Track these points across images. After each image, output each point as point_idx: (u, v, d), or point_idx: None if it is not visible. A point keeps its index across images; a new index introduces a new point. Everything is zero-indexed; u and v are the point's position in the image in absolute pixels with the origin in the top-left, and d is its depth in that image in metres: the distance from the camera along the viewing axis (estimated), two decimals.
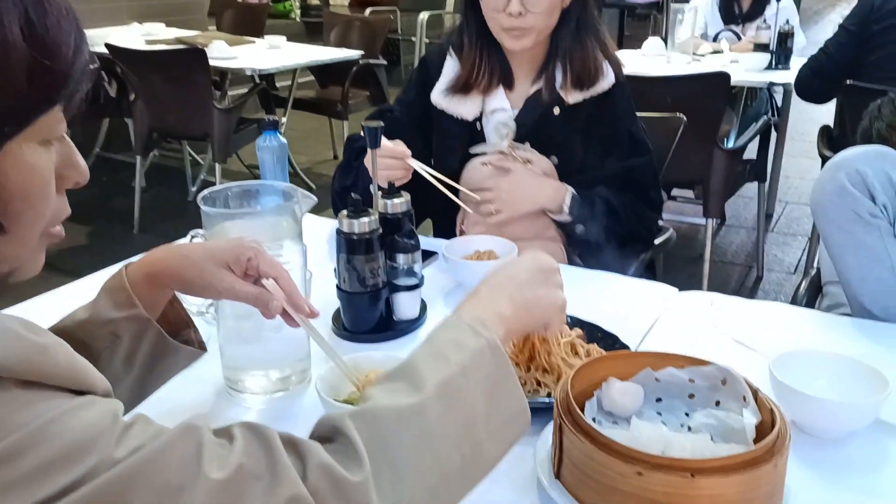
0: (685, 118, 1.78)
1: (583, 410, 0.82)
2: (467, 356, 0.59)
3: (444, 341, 0.62)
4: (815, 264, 1.55)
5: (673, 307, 1.25)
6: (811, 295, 1.49)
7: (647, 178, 1.49)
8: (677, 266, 3.22)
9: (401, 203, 1.10)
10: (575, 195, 1.42)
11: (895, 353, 1.06)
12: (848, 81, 2.31)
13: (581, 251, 1.47)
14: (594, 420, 0.84)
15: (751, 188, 3.43)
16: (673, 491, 0.68)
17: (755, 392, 0.80)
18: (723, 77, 2.52)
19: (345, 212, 1.04)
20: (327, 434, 0.52)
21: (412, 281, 1.10)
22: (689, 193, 3.43)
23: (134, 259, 0.80)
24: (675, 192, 3.46)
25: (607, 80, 1.44)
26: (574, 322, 1.10)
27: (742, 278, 3.17)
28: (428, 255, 1.35)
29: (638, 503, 0.69)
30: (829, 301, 1.43)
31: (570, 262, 1.48)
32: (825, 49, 2.52)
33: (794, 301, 1.48)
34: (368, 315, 1.07)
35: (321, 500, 0.47)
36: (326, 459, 0.49)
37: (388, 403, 0.54)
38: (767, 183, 3.80)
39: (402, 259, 1.08)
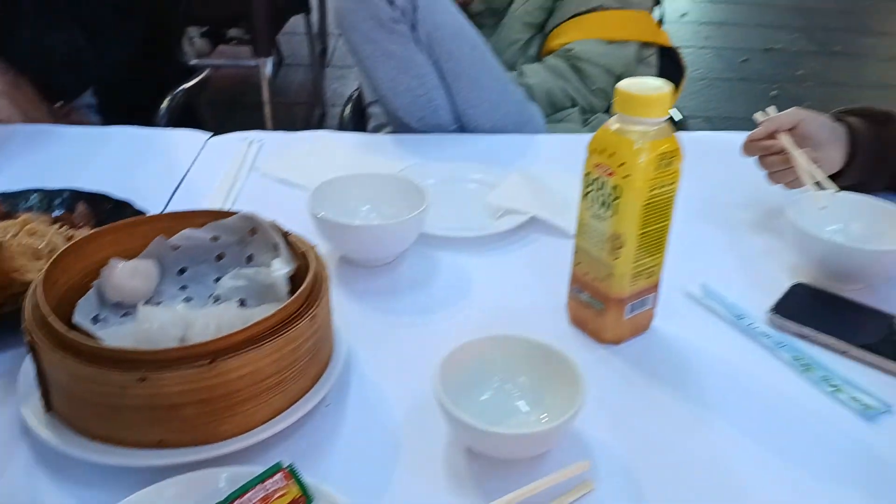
0: None
1: (72, 314, 0.61)
2: None
3: None
4: (357, 86, 1.50)
5: (206, 155, 1.06)
6: (357, 119, 1.44)
7: None
8: (241, 114, 3.03)
9: None
10: None
11: (435, 163, 1.04)
12: None
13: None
14: (95, 319, 0.64)
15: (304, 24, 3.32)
16: (193, 386, 0.53)
17: (286, 236, 0.68)
18: None
19: None
20: None
21: None
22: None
23: None
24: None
25: None
26: (74, 197, 0.86)
27: (307, 117, 3.11)
28: None
29: (155, 416, 0.53)
30: (375, 122, 1.39)
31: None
32: None
33: (341, 127, 1.41)
34: None
35: None
36: None
37: None
38: (317, 16, 3.73)
39: None
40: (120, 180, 0.92)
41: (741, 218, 0.94)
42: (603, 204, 0.66)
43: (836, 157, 0.89)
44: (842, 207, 0.83)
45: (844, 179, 0.91)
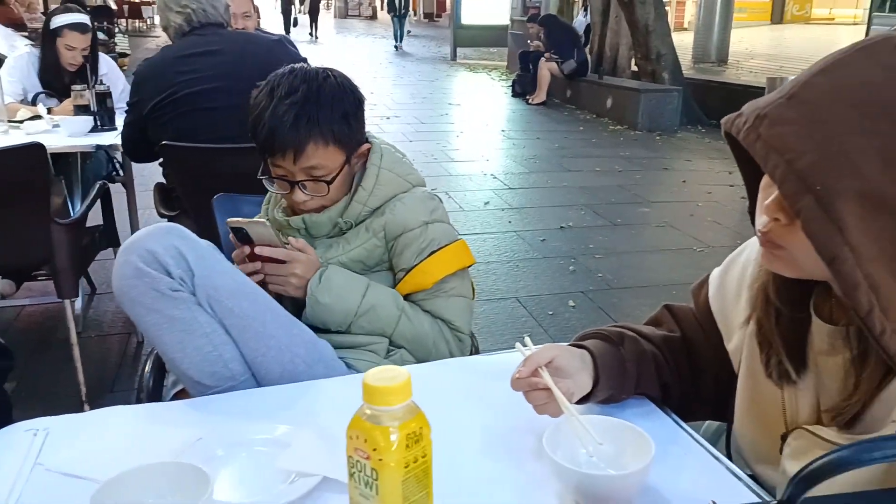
0: None
1: None
2: None
3: None
4: None
5: None
6: (158, 373, 1.43)
7: None
8: (51, 353, 2.88)
9: None
10: None
11: (226, 428, 1.06)
12: (163, 142, 2.35)
13: None
14: None
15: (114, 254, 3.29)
16: None
17: None
18: (37, 148, 2.29)
19: None
20: None
21: None
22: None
23: None
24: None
25: None
26: None
27: (123, 348, 3.00)
28: None
29: None
30: (174, 376, 1.39)
31: None
32: (125, 119, 2.53)
33: (140, 388, 1.40)
34: None
35: None
36: None
37: None
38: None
39: None
40: None
41: (522, 444, 1.02)
42: (367, 484, 0.71)
43: (586, 381, 1.03)
44: (594, 432, 0.94)
45: (596, 396, 1.05)
